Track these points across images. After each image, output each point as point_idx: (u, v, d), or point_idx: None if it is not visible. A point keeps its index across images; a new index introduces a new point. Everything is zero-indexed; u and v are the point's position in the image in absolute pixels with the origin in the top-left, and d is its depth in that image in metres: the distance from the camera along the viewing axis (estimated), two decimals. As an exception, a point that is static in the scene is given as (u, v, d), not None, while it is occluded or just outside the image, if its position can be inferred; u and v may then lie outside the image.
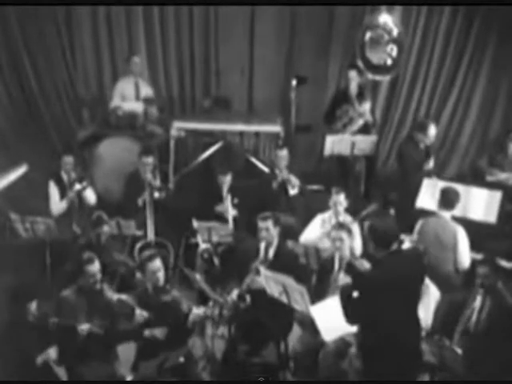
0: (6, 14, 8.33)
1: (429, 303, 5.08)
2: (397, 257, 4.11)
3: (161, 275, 5.05)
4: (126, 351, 5.06)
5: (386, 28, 7.46)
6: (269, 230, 5.41)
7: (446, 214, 5.81)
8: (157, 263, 5.04)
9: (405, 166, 7.04)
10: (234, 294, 5.22)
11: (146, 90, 8.24)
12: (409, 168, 6.95)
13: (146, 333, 4.90)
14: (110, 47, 8.81)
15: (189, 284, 5.68)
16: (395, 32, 7.45)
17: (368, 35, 7.47)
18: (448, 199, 5.81)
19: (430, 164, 7.02)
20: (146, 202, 6.68)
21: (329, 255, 5.43)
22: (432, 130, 6.96)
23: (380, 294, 4.03)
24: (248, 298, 5.16)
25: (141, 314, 4.89)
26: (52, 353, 4.80)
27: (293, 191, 6.90)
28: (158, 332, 4.91)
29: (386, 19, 7.48)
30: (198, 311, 4.99)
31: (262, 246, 5.46)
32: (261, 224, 5.44)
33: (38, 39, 8.60)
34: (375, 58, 7.50)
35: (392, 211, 6.61)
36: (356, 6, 8.27)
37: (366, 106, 7.56)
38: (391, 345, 4.09)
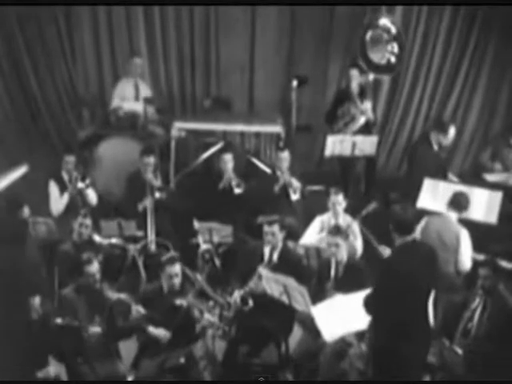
0: (6, 14, 8.32)
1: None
2: (412, 247, 4.21)
3: (177, 281, 5.02)
4: (128, 350, 5.06)
5: (387, 27, 7.47)
6: (275, 234, 5.41)
7: (453, 216, 5.80)
8: (176, 268, 5.00)
9: (414, 166, 7.00)
10: (237, 296, 5.18)
11: (146, 92, 8.22)
12: (417, 168, 6.91)
13: (150, 329, 4.89)
14: (110, 47, 8.79)
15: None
16: (396, 31, 7.46)
17: (369, 34, 7.49)
18: (459, 203, 5.81)
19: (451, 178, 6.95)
20: (146, 203, 6.66)
21: (329, 255, 5.42)
22: (451, 132, 6.84)
23: (394, 283, 4.09)
24: (251, 301, 5.13)
25: (136, 309, 4.89)
26: (52, 370, 4.76)
27: (294, 196, 6.87)
28: (162, 334, 4.90)
29: (387, 19, 7.49)
30: (210, 318, 4.98)
31: (267, 249, 5.46)
32: (267, 228, 5.43)
33: (38, 40, 8.59)
34: (376, 57, 7.52)
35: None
36: (356, 6, 8.28)
37: (368, 104, 7.55)
38: (401, 343, 4.13)
